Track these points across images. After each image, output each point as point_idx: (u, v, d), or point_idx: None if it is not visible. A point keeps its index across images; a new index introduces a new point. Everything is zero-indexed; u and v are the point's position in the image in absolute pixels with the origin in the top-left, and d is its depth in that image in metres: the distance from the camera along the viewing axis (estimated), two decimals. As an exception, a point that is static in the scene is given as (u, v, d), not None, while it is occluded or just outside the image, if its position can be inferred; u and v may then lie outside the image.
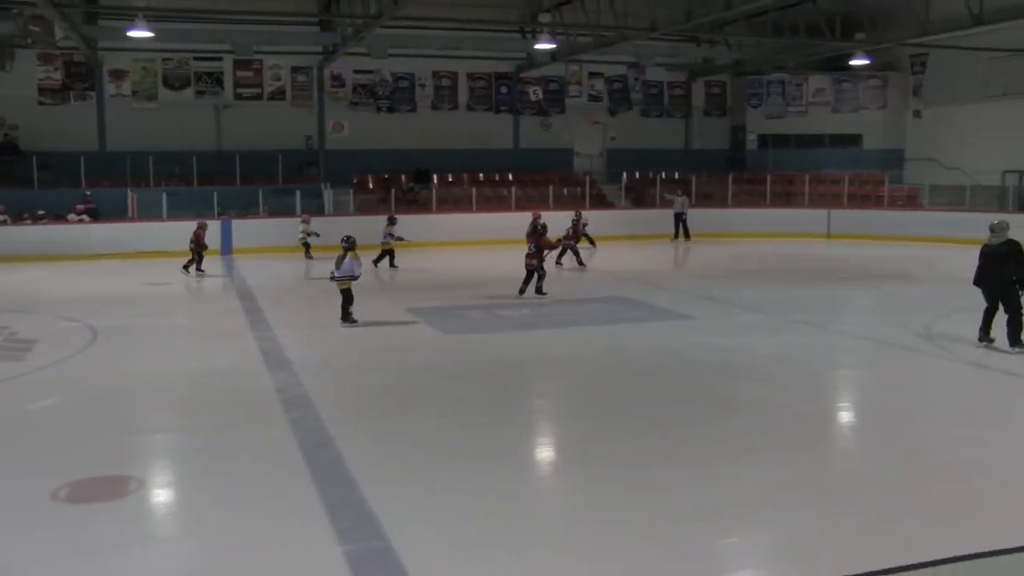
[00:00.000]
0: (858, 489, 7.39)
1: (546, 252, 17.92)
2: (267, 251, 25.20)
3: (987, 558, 5.99)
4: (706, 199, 32.24)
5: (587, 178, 32.79)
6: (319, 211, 27.84)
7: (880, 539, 6.36)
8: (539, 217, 23.73)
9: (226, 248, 25.74)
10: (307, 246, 24.47)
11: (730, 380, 11.17)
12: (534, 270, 17.55)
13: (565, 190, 32.11)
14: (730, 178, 33.50)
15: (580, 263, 22.16)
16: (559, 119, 35.13)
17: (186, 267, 21.58)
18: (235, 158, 29.20)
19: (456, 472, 7.79)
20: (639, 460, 8.10)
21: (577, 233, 23.03)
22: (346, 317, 14.69)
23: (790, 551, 6.28)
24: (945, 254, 25.22)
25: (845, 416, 10.23)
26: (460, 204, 30.26)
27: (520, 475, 7.88)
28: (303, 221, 24.95)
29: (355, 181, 30.73)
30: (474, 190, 30.80)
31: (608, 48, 28.69)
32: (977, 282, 12.89)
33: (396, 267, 22.33)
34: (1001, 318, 12.60)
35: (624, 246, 27.57)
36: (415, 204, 30.08)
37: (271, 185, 28.74)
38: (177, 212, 26.05)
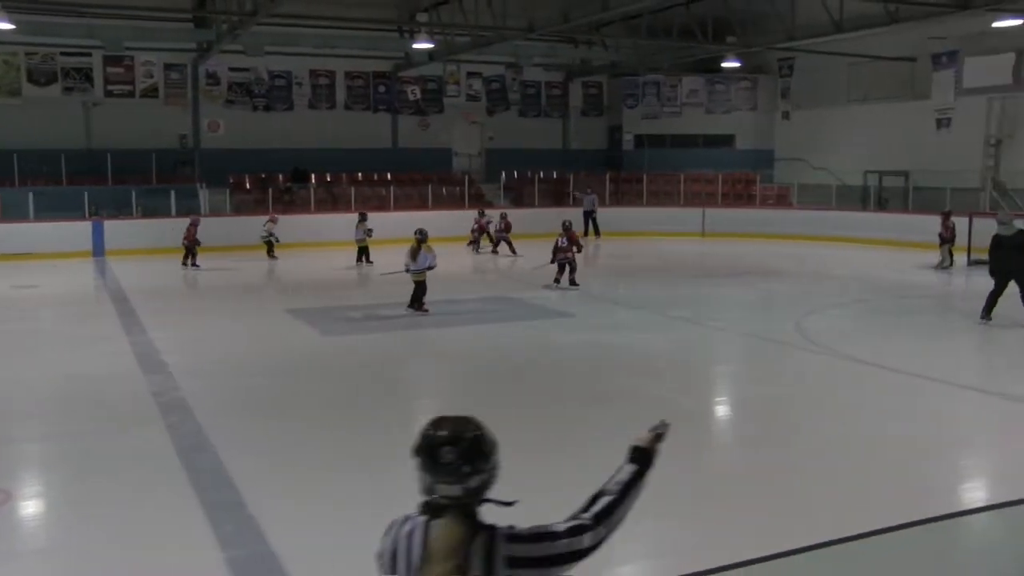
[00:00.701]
0: (732, 482, 7.56)
1: (575, 246, 18.72)
2: (141, 252, 24.47)
3: (844, 544, 6.19)
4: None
5: (466, 178, 32.78)
6: (196, 211, 27.17)
7: (748, 530, 6.51)
8: (483, 216, 25.29)
9: (98, 250, 24.93)
10: (270, 245, 24.22)
11: (609, 376, 11.34)
12: (567, 262, 18.40)
13: (444, 190, 32.04)
14: (607, 177, 33.92)
15: (513, 252, 24.03)
16: (437, 119, 35.04)
17: (184, 263, 22.28)
18: (106, 157, 28.22)
19: (337, 475, 7.71)
20: (517, 457, 8.10)
21: (508, 227, 25.59)
22: (419, 306, 15.32)
23: (665, 545, 6.39)
24: (814, 251, 26.08)
25: (722, 410, 10.49)
26: (338, 204, 29.92)
27: (400, 477, 7.79)
28: (270, 220, 24.64)
29: (231, 181, 30.01)
30: (352, 190, 30.47)
31: (486, 48, 28.74)
32: (994, 270, 14.01)
33: (371, 263, 22.52)
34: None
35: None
36: (293, 204, 29.61)
37: (144, 185, 27.87)
38: (45, 213, 25.11)
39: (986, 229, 22.16)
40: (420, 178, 32.26)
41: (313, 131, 32.09)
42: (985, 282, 14.44)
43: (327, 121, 32.68)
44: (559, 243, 18.70)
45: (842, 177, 30.19)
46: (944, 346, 13.49)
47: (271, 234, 24.26)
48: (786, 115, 34.39)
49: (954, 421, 9.51)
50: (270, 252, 24.18)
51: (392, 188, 30.83)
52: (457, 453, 2.78)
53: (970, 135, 27.69)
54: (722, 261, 24.38)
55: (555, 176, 34.41)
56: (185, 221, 23.08)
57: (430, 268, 15.37)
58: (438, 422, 2.86)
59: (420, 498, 2.90)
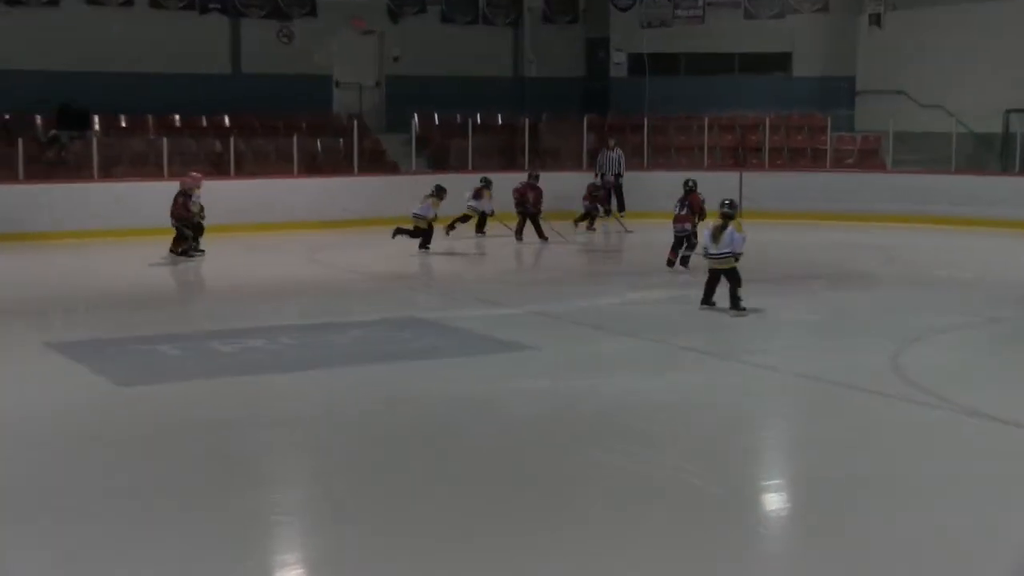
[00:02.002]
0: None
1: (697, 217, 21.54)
2: None
3: None
4: (552, 158, 32.60)
5: (354, 124, 32.57)
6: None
7: None
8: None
9: None
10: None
11: (590, 445, 11.29)
12: (686, 235, 21.50)
13: (319, 143, 31.83)
14: (585, 123, 33.98)
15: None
16: (306, 26, 34.85)
17: (187, 250, 23.87)
18: None
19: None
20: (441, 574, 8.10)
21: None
22: (737, 304, 17.46)
23: None
24: (919, 240, 26.31)
25: (774, 499, 10.46)
26: (140, 166, 29.52)
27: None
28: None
29: (-49, 127, 29.72)
30: (165, 142, 29.99)
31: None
32: None
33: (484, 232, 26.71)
34: None
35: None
36: (62, 165, 29.20)
37: None
38: None
39: None
40: (280, 124, 32.05)
41: (96, 43, 31.73)
42: None
43: (119, 27, 32.30)
44: (677, 211, 21.56)
45: (967, 121, 30.43)
46: None
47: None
48: (876, 20, 34.58)
49: None
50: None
51: (232, 141, 30.45)
52: None
53: None
54: (770, 256, 24.47)
55: (500, 122, 34.45)
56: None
57: (735, 256, 17.39)
58: None
59: None
